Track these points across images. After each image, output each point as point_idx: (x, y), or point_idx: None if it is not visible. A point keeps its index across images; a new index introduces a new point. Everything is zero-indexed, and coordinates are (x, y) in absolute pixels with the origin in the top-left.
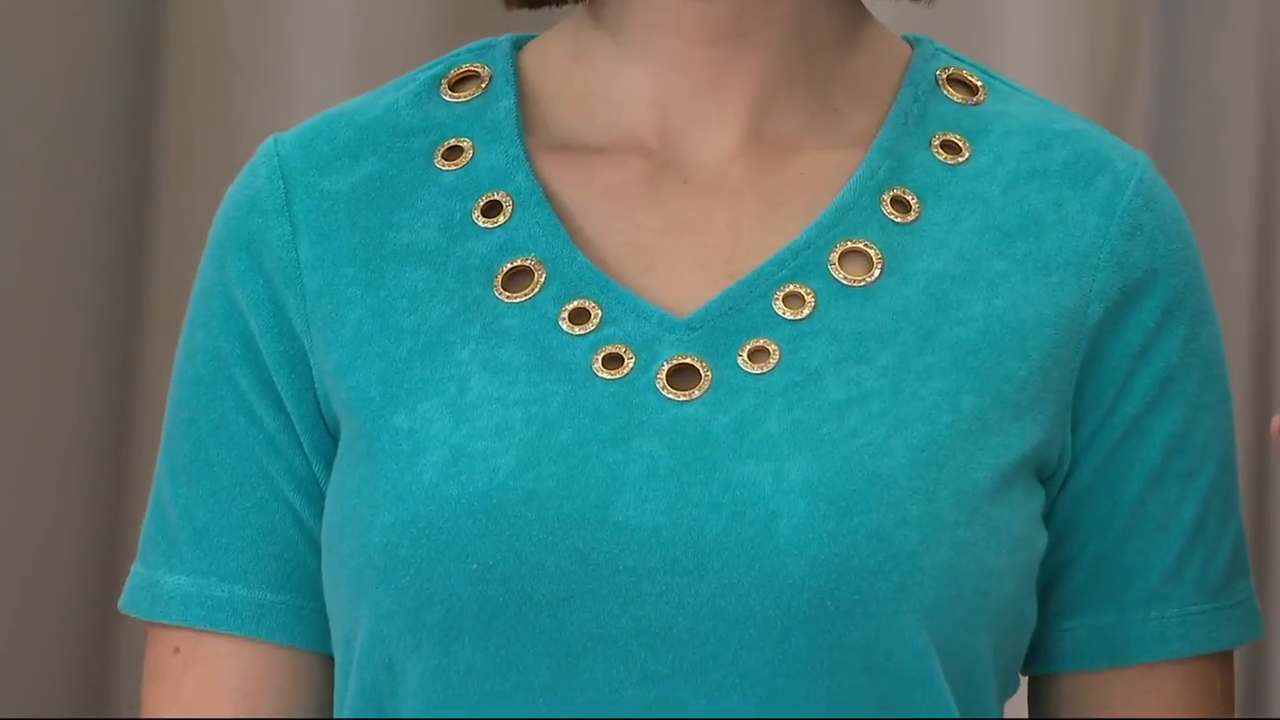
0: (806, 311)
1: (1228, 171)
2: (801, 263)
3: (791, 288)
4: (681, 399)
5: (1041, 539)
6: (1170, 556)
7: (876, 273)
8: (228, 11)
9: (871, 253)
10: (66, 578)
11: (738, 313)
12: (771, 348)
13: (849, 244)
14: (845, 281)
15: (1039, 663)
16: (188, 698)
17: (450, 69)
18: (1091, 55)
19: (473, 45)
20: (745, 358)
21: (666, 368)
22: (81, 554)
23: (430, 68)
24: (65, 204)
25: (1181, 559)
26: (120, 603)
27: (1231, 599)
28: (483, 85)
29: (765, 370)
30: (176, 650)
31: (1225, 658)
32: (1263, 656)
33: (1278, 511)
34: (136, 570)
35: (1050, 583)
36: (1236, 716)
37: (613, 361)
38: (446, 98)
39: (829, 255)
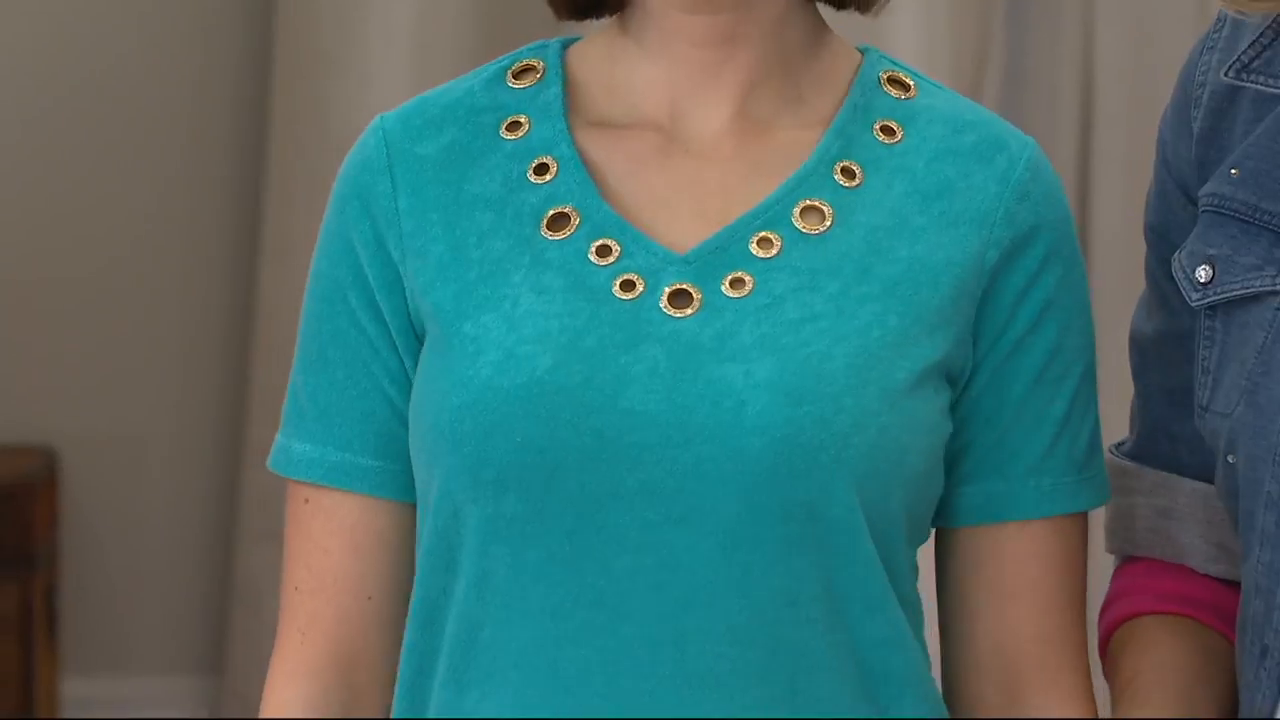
0: (774, 252)
1: (1055, 143)
2: (772, 215)
3: (764, 234)
4: (678, 316)
5: (947, 426)
6: (1045, 440)
7: (828, 224)
8: (322, 23)
9: (825, 209)
10: (206, 447)
11: (723, 251)
12: (747, 278)
13: (808, 202)
14: (804, 230)
15: (945, 518)
16: (315, 536)
17: (515, 62)
18: (955, 55)
19: (533, 45)
20: (727, 285)
21: (668, 291)
22: (212, 428)
23: (500, 61)
24: (199, 167)
25: (1053, 442)
26: (268, 462)
27: (1090, 472)
28: (538, 75)
29: (742, 295)
30: (306, 500)
31: (1083, 517)
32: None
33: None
34: (278, 439)
35: (954, 458)
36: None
37: (627, 286)
38: (510, 84)
39: (793, 210)
